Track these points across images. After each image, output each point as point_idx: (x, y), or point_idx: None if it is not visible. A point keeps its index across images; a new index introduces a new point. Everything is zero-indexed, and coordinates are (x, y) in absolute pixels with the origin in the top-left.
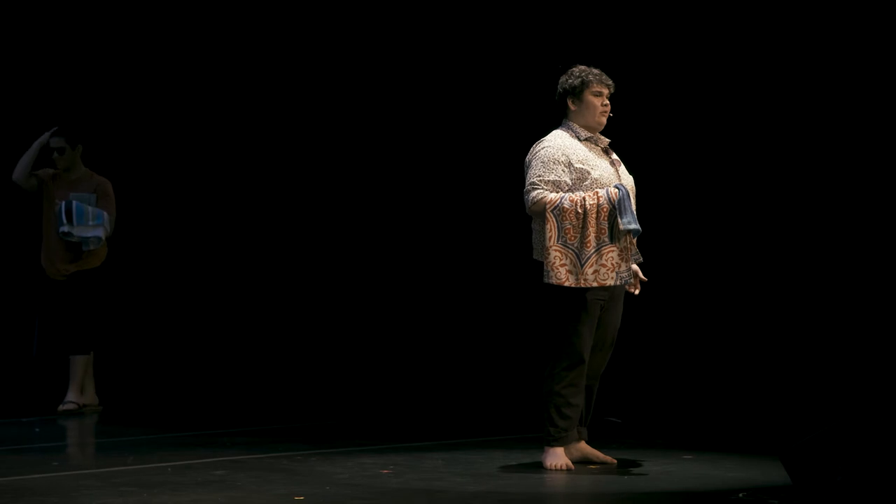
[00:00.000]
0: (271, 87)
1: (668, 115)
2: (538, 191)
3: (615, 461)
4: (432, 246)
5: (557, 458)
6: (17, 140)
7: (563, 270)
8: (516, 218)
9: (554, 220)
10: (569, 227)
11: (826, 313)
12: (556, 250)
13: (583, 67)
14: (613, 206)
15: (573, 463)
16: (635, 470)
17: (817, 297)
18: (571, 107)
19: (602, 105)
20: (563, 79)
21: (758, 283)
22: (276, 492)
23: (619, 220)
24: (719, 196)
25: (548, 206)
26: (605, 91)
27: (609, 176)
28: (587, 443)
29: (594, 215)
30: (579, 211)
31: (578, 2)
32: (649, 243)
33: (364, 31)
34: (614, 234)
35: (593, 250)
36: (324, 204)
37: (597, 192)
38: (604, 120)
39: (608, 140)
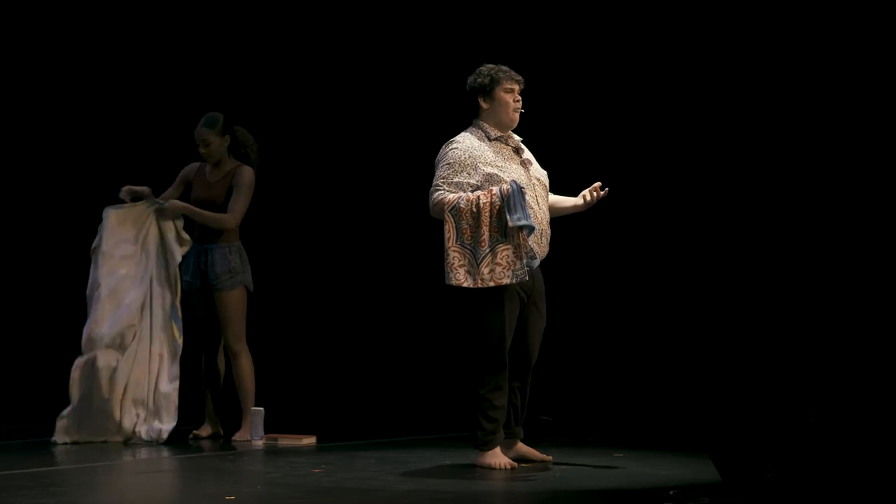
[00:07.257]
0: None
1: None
2: (439, 192)
3: (551, 459)
4: (363, 245)
5: (497, 457)
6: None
7: (461, 271)
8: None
9: (452, 220)
10: (465, 226)
11: (752, 310)
12: (454, 251)
13: (490, 66)
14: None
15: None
16: (567, 468)
17: (743, 293)
18: (483, 105)
19: (514, 101)
20: (471, 79)
21: (684, 282)
22: (206, 491)
23: (508, 217)
24: (636, 193)
25: (446, 207)
26: (517, 87)
27: (520, 177)
28: (523, 441)
29: (487, 213)
30: (474, 210)
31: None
32: (580, 240)
33: (292, 33)
34: (507, 231)
35: (488, 250)
36: (261, 208)
37: (490, 190)
38: (517, 116)
39: (519, 138)
